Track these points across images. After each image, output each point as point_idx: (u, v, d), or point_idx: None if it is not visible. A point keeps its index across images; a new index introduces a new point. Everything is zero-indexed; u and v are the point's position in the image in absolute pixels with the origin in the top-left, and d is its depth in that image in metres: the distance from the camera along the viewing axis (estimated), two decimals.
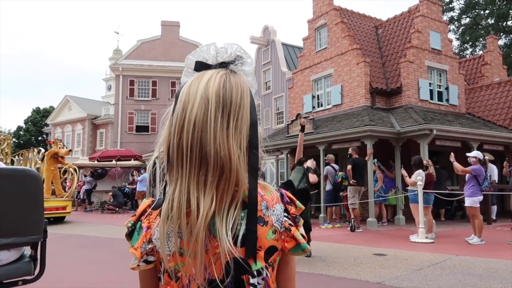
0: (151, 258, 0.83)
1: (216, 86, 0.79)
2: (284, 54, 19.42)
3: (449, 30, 26.34)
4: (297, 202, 0.91)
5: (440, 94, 13.65)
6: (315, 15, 15.20)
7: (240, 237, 0.77)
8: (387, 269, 5.26)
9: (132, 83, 27.24)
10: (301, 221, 0.90)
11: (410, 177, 8.22)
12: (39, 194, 2.39)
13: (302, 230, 0.89)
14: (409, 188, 8.38)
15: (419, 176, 8.01)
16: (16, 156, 14.83)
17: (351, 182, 9.71)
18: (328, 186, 10.84)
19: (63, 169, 13.61)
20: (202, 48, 0.86)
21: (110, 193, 17.30)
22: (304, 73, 15.44)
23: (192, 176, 0.76)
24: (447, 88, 13.77)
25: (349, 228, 9.78)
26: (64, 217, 12.59)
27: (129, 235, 0.86)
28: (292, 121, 13.98)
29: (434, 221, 8.65)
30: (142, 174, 16.94)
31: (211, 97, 0.77)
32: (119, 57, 30.25)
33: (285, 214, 0.87)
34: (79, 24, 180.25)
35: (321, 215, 11.86)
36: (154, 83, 27.43)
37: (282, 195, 0.89)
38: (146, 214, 0.86)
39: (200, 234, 0.74)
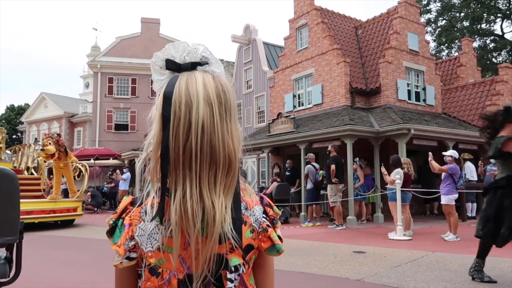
0: (133, 255, 0.85)
1: (215, 88, 0.82)
2: (265, 53, 19.45)
3: (426, 32, 26.92)
4: (275, 208, 0.97)
5: (417, 94, 13.95)
6: (296, 15, 15.29)
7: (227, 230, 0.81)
8: (366, 266, 5.35)
9: (111, 80, 26.77)
10: (279, 224, 0.96)
11: (389, 175, 8.38)
12: (15, 194, 2.33)
13: (279, 232, 0.94)
14: (387, 186, 8.54)
15: (397, 175, 8.17)
16: (8, 152, 13.72)
17: (333, 180, 9.80)
18: (309, 185, 10.93)
19: (74, 166, 12.10)
20: (171, 46, 0.87)
21: (89, 193, 16.98)
22: (285, 72, 15.51)
23: (203, 177, 0.78)
24: (424, 89, 14.07)
25: (332, 226, 9.90)
26: (74, 220, 11.42)
27: (110, 232, 0.87)
28: (273, 120, 14.03)
29: (411, 218, 8.84)
30: (125, 173, 16.66)
31: (213, 99, 0.80)
32: (98, 54, 29.68)
33: (264, 216, 0.92)
34: (55, 19, 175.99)
35: (302, 213, 11.95)
36: (133, 81, 27.04)
37: (261, 198, 0.95)
38: (127, 211, 0.87)
39: (216, 233, 0.78)
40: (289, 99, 15.21)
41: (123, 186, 16.34)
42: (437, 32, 32.17)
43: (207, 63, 0.86)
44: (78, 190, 11.61)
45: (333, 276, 4.86)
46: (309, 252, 6.49)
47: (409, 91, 13.64)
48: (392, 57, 13.16)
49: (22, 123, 37.82)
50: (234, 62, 21.72)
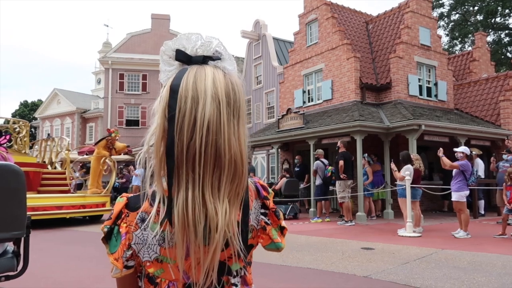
0: (131, 263, 0.82)
1: (224, 86, 0.77)
2: (275, 48, 19.39)
3: (439, 26, 26.55)
4: (269, 189, 0.92)
5: (429, 89, 13.76)
6: (306, 10, 15.18)
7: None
8: (374, 262, 5.32)
9: (122, 76, 26.99)
10: (281, 214, 0.93)
11: (399, 171, 8.30)
12: (21, 190, 2.36)
13: (283, 223, 0.92)
14: (397, 182, 8.47)
15: (407, 171, 8.09)
16: (31, 146, 13.47)
17: (341, 176, 9.77)
18: (318, 181, 10.89)
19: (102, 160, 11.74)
20: (183, 36, 0.82)
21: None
22: (295, 68, 15.43)
23: (206, 181, 0.73)
24: (436, 84, 13.88)
25: (341, 222, 9.87)
26: (102, 215, 11.17)
27: (105, 239, 0.83)
28: (283, 115, 13.99)
29: (422, 215, 8.76)
30: (138, 168, 16.82)
31: (222, 98, 0.75)
32: (109, 50, 29.93)
33: (262, 211, 0.89)
34: (68, 16, 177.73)
35: (311, 209, 11.93)
36: (144, 77, 27.22)
37: (258, 190, 0.90)
38: (123, 216, 0.82)
39: (220, 240, 0.73)
40: (298, 94, 15.14)
41: (136, 181, 16.53)
42: (450, 26, 31.65)
43: (219, 59, 0.80)
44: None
45: (341, 272, 4.84)
46: (317, 248, 6.48)
47: (420, 87, 13.47)
48: (403, 52, 12.99)
49: (35, 118, 38.39)
50: (244, 58, 21.69)
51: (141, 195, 0.82)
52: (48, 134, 30.79)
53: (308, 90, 14.91)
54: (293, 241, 7.02)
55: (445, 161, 7.95)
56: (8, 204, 2.30)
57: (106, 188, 11.27)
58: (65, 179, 11.96)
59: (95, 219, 10.99)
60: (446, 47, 30.08)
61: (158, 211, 0.77)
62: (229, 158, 0.74)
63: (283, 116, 13.95)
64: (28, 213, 7.87)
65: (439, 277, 4.53)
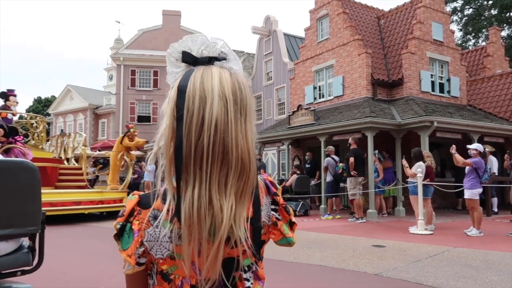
0: (142, 260, 0.83)
1: (231, 85, 0.78)
2: (286, 44, 19.32)
3: (452, 21, 26.13)
4: (277, 185, 0.94)
5: (441, 85, 13.59)
6: (317, 5, 15.08)
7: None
8: (385, 260, 5.29)
9: (133, 73, 27.18)
10: (291, 210, 0.95)
11: (410, 168, 8.23)
12: (36, 186, 2.40)
13: (293, 218, 0.94)
14: (409, 180, 8.40)
15: (419, 168, 8.01)
16: (48, 141, 13.49)
17: (352, 173, 9.73)
18: (329, 177, 10.86)
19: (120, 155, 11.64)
20: (189, 38, 0.84)
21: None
22: (306, 64, 15.37)
23: (213, 178, 0.74)
24: (448, 80, 13.69)
25: (351, 219, 9.85)
26: (119, 211, 11.65)
27: (117, 236, 0.84)
28: (293, 112, 13.96)
29: (434, 212, 8.68)
30: (150, 164, 16.96)
31: (229, 97, 0.76)
32: (120, 47, 30.12)
33: (272, 207, 0.91)
34: (80, 13, 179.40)
35: (322, 206, 11.91)
36: (155, 73, 27.36)
37: (267, 186, 0.92)
38: (135, 214, 0.83)
39: (224, 237, 0.74)
40: (309, 90, 15.08)
41: (148, 177, 16.67)
42: (463, 21, 31.14)
43: (225, 59, 0.82)
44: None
45: (351, 269, 4.83)
46: (328, 245, 6.47)
47: (432, 83, 13.31)
48: (416, 48, 12.84)
49: (49, 114, 38.93)
50: (254, 54, 21.66)
51: (152, 193, 0.84)
52: (62, 130, 31.21)
53: (319, 86, 14.84)
54: (303, 238, 7.02)
55: (458, 158, 7.86)
56: (23, 200, 2.34)
57: (123, 184, 11.23)
58: (81, 174, 12.01)
59: (112, 215, 10.78)
60: (459, 42, 29.60)
61: (169, 209, 0.78)
62: (236, 155, 0.75)
63: (293, 112, 13.92)
64: (46, 208, 7.97)
65: (451, 275, 4.49)
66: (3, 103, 10.31)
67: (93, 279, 4.43)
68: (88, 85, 68.06)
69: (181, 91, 0.76)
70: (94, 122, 33.03)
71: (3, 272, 2.35)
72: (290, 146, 14.80)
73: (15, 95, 10.45)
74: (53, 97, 44.40)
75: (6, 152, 8.87)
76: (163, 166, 0.78)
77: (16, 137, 9.58)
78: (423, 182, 7.99)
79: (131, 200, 0.85)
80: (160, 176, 0.80)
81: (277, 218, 0.90)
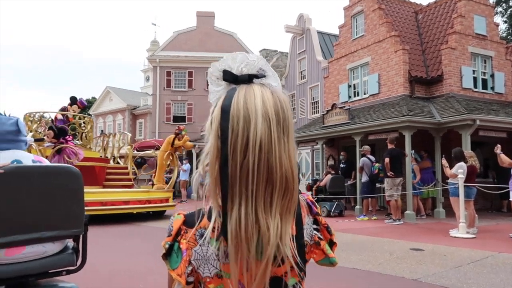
0: (191, 279, 0.84)
1: (273, 105, 0.79)
2: (319, 42, 19.10)
3: (496, 13, 24.82)
4: (317, 204, 0.95)
5: (484, 81, 12.99)
6: (352, 2, 14.80)
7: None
8: (424, 265, 5.13)
9: (169, 74, 27.77)
10: (333, 230, 0.96)
11: (451, 168, 7.92)
12: (79, 190, 2.51)
13: (335, 238, 0.95)
14: (449, 181, 8.09)
15: (460, 169, 7.70)
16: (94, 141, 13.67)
17: (388, 174, 9.52)
18: (364, 178, 10.66)
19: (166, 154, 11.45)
20: (229, 57, 0.85)
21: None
22: (340, 62, 15.13)
23: (259, 197, 0.76)
24: (492, 76, 13.06)
25: (388, 221, 9.64)
26: (165, 211, 11.04)
27: (165, 255, 0.85)
28: (328, 111, 13.79)
29: (476, 215, 8.32)
30: (185, 164, 17.21)
31: (272, 117, 0.77)
32: (157, 48, 30.87)
33: (315, 227, 0.92)
34: (118, 17, 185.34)
35: (357, 206, 11.70)
36: (190, 74, 27.82)
37: (309, 206, 0.93)
38: (182, 233, 0.84)
39: (271, 255, 0.76)
40: (344, 89, 14.84)
41: (184, 176, 17.03)
42: (508, 12, 29.57)
43: (264, 76, 0.83)
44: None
45: (388, 274, 4.72)
46: (364, 248, 6.36)
47: (475, 79, 12.73)
48: (456, 43, 12.33)
49: (90, 115, 40.52)
50: (287, 53, 21.56)
51: (196, 211, 0.85)
52: (102, 131, 32.40)
53: (354, 85, 14.58)
54: (338, 240, 6.81)
55: (504, 158, 7.48)
56: (68, 204, 2.45)
57: (169, 184, 11.15)
58: (127, 173, 12.18)
59: (158, 214, 10.86)
60: (504, 35, 28.14)
61: (215, 227, 0.79)
62: (280, 174, 0.76)
63: (328, 111, 13.75)
64: (97, 207, 8.25)
65: (496, 283, 4.29)
66: (65, 105, 10.86)
67: (133, 278, 4.58)
68: (126, 86, 70.32)
69: (225, 111, 0.78)
70: (132, 122, 34.04)
71: (50, 271, 2.48)
72: (324, 146, 14.64)
73: (81, 107, 11.03)
74: (94, 98, 46.08)
75: (58, 152, 9.27)
76: (210, 185, 0.80)
77: (66, 138, 9.99)
78: (465, 184, 7.67)
79: (177, 219, 0.86)
80: (195, 185, 0.83)
81: (319, 238, 0.91)
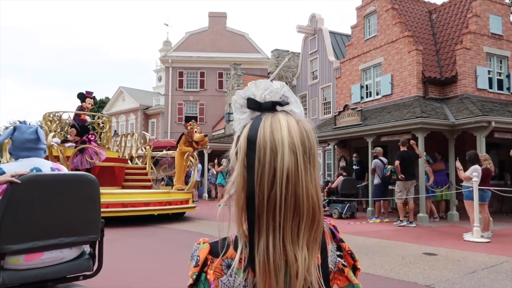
0: None
1: (299, 135, 0.79)
2: (331, 42, 18.99)
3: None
4: (338, 230, 0.96)
5: (500, 82, 12.78)
6: (364, 2, 14.70)
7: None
8: (437, 270, 5.09)
9: (181, 74, 27.98)
10: (356, 256, 0.95)
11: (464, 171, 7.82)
12: (96, 197, 2.57)
13: (358, 264, 0.95)
14: (463, 184, 7.99)
15: (474, 172, 7.60)
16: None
17: (399, 177, 9.47)
18: (377, 180, 10.60)
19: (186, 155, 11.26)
20: (252, 84, 0.86)
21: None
22: (352, 62, 15.05)
23: (286, 228, 0.76)
24: (508, 76, 12.85)
25: (396, 223, 9.58)
26: (184, 212, 10.85)
27: (192, 286, 0.85)
28: (339, 112, 13.73)
29: (491, 218, 8.20)
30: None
31: (299, 148, 0.77)
32: (169, 49, 31.10)
33: (338, 253, 0.92)
34: (130, 16, 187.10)
35: (369, 208, 11.64)
36: (202, 74, 27.99)
37: (332, 232, 0.94)
38: (208, 263, 0.84)
39: (300, 287, 0.76)
40: (356, 90, 14.76)
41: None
42: None
43: (287, 103, 0.83)
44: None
45: (401, 279, 4.70)
46: (376, 251, 6.33)
47: (490, 79, 12.54)
48: (471, 43, 12.16)
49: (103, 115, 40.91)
50: (299, 53, 21.52)
51: (221, 241, 0.85)
52: (115, 131, 32.76)
53: (366, 85, 14.48)
54: (350, 243, 6.76)
55: None
56: (85, 210, 2.51)
57: (189, 185, 10.87)
58: (146, 174, 12.01)
59: (177, 216, 10.58)
60: None
61: (241, 258, 0.80)
62: (307, 206, 0.76)
63: (340, 112, 13.69)
64: (118, 209, 8.25)
65: None
66: (78, 104, 10.92)
67: (148, 281, 4.64)
68: (138, 86, 70.93)
69: (251, 141, 0.78)
70: (144, 122, 34.36)
71: (68, 276, 2.54)
72: (336, 147, 14.58)
73: (92, 97, 10.95)
74: (107, 98, 46.61)
75: (81, 151, 9.31)
76: (236, 216, 0.80)
77: (89, 136, 9.99)
78: (479, 187, 7.57)
79: (203, 249, 0.86)
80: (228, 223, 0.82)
81: (343, 265, 0.91)
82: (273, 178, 0.75)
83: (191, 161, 11.13)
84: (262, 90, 0.84)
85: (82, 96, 10.75)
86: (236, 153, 0.81)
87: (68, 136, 10.07)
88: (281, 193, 0.74)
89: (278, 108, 0.83)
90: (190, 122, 10.80)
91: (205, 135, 10.47)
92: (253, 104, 0.83)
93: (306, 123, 0.83)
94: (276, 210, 0.75)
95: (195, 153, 11.17)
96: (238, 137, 0.83)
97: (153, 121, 33.78)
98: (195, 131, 10.34)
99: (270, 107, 0.82)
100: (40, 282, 2.38)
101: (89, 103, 10.74)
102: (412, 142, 9.76)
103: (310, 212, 0.77)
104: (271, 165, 0.75)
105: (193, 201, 10.76)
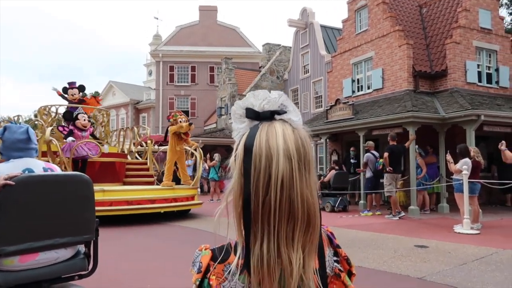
0: None
1: (294, 142, 0.81)
2: (323, 36, 19.01)
3: (501, 5, 24.58)
4: (335, 236, 0.97)
5: (489, 76, 12.92)
6: None
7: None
8: (428, 263, 5.17)
9: (172, 68, 27.76)
10: (352, 262, 0.98)
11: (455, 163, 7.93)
12: (90, 197, 2.56)
13: (354, 270, 0.97)
14: (453, 176, 8.10)
15: (464, 165, 7.70)
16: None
17: (387, 169, 9.59)
18: (368, 173, 10.69)
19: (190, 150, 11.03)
20: (251, 94, 0.88)
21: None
22: (344, 57, 15.08)
23: (281, 233, 0.78)
24: (497, 70, 13.00)
25: (388, 216, 9.70)
26: (189, 209, 10.45)
27: None
28: (331, 106, 13.78)
29: (480, 210, 8.34)
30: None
31: (293, 155, 0.79)
32: (159, 43, 30.82)
33: (335, 259, 0.94)
34: (119, 10, 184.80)
35: (361, 201, 11.75)
36: (193, 68, 27.81)
37: (330, 238, 0.96)
38: (211, 269, 0.86)
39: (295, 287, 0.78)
40: (347, 84, 14.81)
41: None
42: None
43: (285, 112, 0.85)
44: None
45: (393, 272, 4.77)
46: (368, 244, 6.40)
47: (479, 73, 12.68)
48: (461, 37, 12.26)
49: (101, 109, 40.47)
50: (290, 47, 21.49)
51: (222, 246, 0.87)
52: None
53: (358, 79, 14.54)
54: (342, 236, 6.97)
55: (508, 155, 7.48)
56: (79, 211, 2.50)
57: (194, 180, 10.50)
58: (147, 169, 11.64)
59: (182, 212, 10.23)
60: (509, 27, 27.87)
61: (239, 262, 0.82)
62: (302, 210, 0.78)
63: (331, 106, 13.75)
64: (124, 207, 7.95)
65: (501, 281, 4.33)
66: (64, 95, 10.86)
67: (143, 279, 4.64)
68: (129, 80, 70.29)
69: (248, 149, 0.80)
70: (135, 117, 34.11)
71: (63, 276, 2.53)
72: (328, 141, 14.65)
73: (74, 88, 10.87)
74: (97, 93, 46.13)
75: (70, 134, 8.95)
76: (235, 222, 0.82)
77: (89, 128, 9.48)
78: (470, 180, 7.68)
79: (205, 255, 0.88)
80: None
81: (339, 270, 0.93)
82: (268, 183, 0.77)
83: (195, 155, 10.80)
84: (261, 100, 0.86)
85: (65, 90, 10.80)
86: (235, 161, 0.84)
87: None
88: (276, 198, 0.77)
89: (276, 116, 0.84)
90: (172, 113, 10.25)
91: (190, 123, 9.98)
92: (251, 114, 0.85)
93: (302, 130, 0.85)
94: (271, 215, 0.77)
95: (199, 148, 10.85)
96: (237, 145, 0.85)
97: (144, 116, 33.56)
98: (180, 121, 9.82)
99: (269, 116, 0.84)
100: (35, 282, 2.37)
101: (71, 94, 10.76)
102: (412, 136, 9.90)
103: (305, 217, 0.79)
104: (266, 171, 0.78)
105: None
